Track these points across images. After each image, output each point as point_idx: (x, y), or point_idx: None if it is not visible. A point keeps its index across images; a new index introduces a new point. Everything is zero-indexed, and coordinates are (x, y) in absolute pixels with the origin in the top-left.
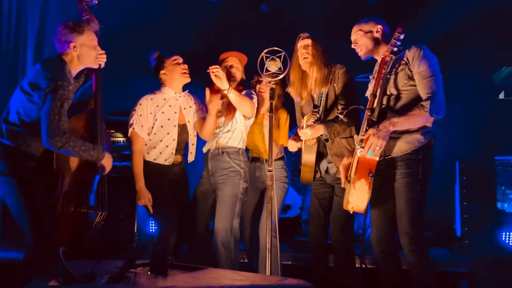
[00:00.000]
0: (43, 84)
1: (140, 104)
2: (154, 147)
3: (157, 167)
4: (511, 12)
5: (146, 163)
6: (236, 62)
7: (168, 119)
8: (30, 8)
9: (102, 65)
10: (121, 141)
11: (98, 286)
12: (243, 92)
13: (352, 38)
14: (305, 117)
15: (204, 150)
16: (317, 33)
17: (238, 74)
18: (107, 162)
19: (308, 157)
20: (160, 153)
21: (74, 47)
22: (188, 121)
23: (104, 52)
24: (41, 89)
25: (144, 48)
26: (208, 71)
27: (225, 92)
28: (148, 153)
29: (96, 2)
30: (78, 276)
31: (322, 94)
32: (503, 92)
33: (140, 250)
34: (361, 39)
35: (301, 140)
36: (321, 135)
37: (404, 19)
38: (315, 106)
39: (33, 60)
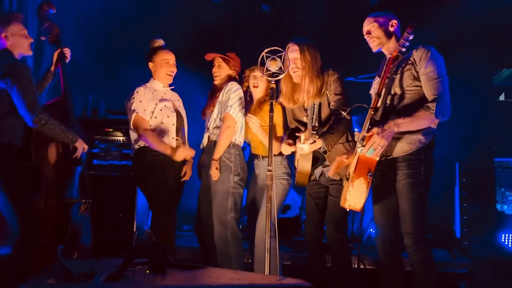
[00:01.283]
0: (2, 71)
1: (137, 92)
2: (163, 138)
3: (165, 157)
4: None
5: (154, 153)
6: (219, 61)
7: (165, 105)
8: (31, 6)
9: (68, 59)
10: (121, 140)
11: (96, 285)
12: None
13: (366, 29)
14: (302, 134)
15: (201, 146)
16: (307, 42)
17: (221, 71)
18: (80, 144)
19: (304, 165)
20: (162, 137)
21: (5, 36)
22: (179, 106)
23: (67, 48)
24: (4, 77)
25: (145, 47)
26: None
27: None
28: None
29: (55, 11)
30: (77, 275)
31: (314, 103)
32: (503, 94)
33: (138, 249)
34: (375, 31)
35: (294, 144)
36: (319, 148)
37: (405, 20)
38: (313, 128)
39: (34, 59)
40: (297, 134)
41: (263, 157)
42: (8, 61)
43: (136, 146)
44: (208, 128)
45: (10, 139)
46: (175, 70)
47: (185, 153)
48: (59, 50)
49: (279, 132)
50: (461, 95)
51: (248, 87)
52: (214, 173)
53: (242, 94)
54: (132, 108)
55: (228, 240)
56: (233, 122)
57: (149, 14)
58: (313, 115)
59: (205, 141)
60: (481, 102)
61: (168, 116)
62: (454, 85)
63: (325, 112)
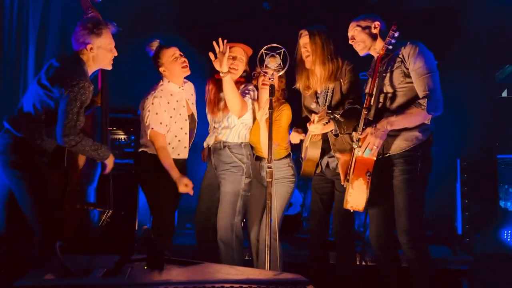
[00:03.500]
0: (65, 81)
1: (153, 104)
2: (169, 143)
3: None
4: None
5: (156, 159)
6: (240, 53)
7: (180, 114)
8: (32, 5)
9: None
10: (123, 138)
11: (94, 280)
12: (243, 86)
13: (350, 34)
14: (316, 116)
15: (205, 145)
16: (318, 28)
17: (241, 66)
18: (110, 161)
19: (313, 152)
20: (173, 148)
21: (91, 48)
22: (194, 112)
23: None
24: (62, 86)
25: (147, 44)
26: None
27: (221, 75)
28: None
29: None
30: (74, 270)
31: (328, 89)
32: (506, 90)
33: (137, 244)
34: (359, 35)
35: (304, 133)
36: (331, 131)
37: (406, 17)
38: (329, 108)
39: (35, 57)
40: (311, 118)
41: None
42: (75, 73)
43: (141, 149)
44: (215, 128)
45: (45, 145)
46: (186, 60)
47: (188, 188)
48: None
49: (286, 134)
50: (464, 92)
51: (256, 86)
52: None
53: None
54: (147, 124)
55: (232, 244)
56: (241, 116)
57: (148, 11)
58: (325, 101)
59: (211, 140)
60: (484, 98)
61: (181, 128)
62: (457, 81)
63: (336, 99)
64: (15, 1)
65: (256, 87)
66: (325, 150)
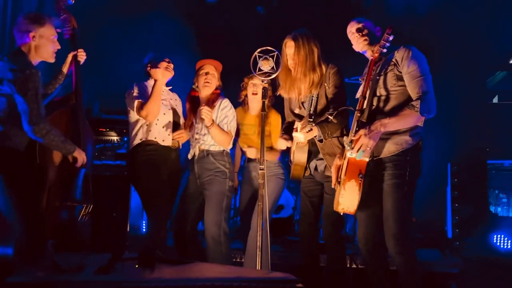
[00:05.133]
0: (11, 75)
1: (139, 85)
2: (152, 127)
3: (157, 154)
4: (505, 17)
5: (145, 147)
6: (211, 69)
7: (162, 102)
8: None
9: (82, 62)
10: (115, 140)
11: (86, 276)
12: (219, 101)
13: (355, 27)
14: (299, 123)
15: (189, 156)
16: (302, 34)
17: (214, 80)
18: (78, 154)
19: (300, 157)
20: (158, 132)
21: (33, 37)
22: (176, 105)
23: (83, 49)
24: (11, 81)
25: (141, 48)
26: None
27: (208, 127)
28: (147, 132)
29: (74, 2)
30: (67, 268)
31: (313, 94)
32: (496, 96)
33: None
34: (365, 30)
35: (291, 139)
36: (315, 136)
37: (399, 22)
38: (310, 116)
39: None
40: (295, 125)
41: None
42: (19, 65)
43: (133, 143)
44: (196, 139)
45: (15, 145)
46: (171, 64)
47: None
48: (74, 52)
49: (276, 141)
50: (455, 97)
51: (246, 95)
52: None
53: (235, 112)
54: (134, 95)
55: (221, 240)
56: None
57: (143, 14)
58: (310, 106)
59: (195, 151)
60: (475, 104)
61: (164, 114)
62: (448, 86)
63: (321, 104)
64: (9, 5)
65: (245, 96)
66: (313, 153)
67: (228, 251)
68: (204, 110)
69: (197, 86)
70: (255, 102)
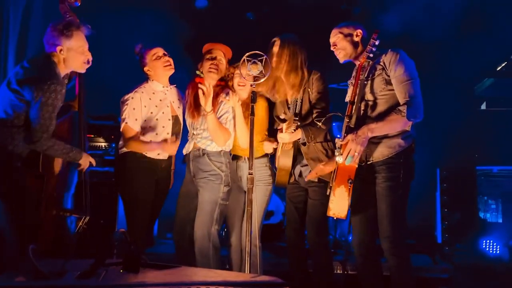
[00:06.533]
0: (36, 83)
1: (132, 98)
2: (150, 141)
3: (148, 163)
4: (493, 24)
5: (137, 158)
6: (220, 54)
7: (163, 113)
8: (13, 7)
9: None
10: (103, 146)
11: (67, 281)
12: (223, 95)
13: (331, 40)
14: (284, 124)
15: (184, 152)
16: (290, 38)
17: (221, 67)
18: (84, 161)
19: (285, 161)
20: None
21: (61, 50)
22: (178, 114)
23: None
24: (33, 89)
25: (129, 51)
26: (198, 85)
27: (206, 113)
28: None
29: (80, 3)
30: (48, 273)
31: (297, 99)
32: (484, 103)
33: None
34: (340, 42)
35: (277, 142)
36: (299, 139)
37: (387, 27)
38: (296, 115)
39: (15, 60)
40: (279, 127)
41: (246, 158)
42: (45, 74)
43: (120, 151)
44: (194, 134)
45: (20, 150)
46: (170, 60)
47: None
48: None
49: (263, 126)
50: (444, 104)
51: (232, 85)
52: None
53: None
54: (123, 117)
55: (209, 254)
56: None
57: (131, 19)
58: (295, 110)
59: (189, 147)
60: (463, 110)
61: (163, 127)
62: (437, 93)
63: (305, 109)
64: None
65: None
66: (298, 159)
67: (218, 265)
68: (206, 88)
69: (201, 72)
70: (241, 94)
